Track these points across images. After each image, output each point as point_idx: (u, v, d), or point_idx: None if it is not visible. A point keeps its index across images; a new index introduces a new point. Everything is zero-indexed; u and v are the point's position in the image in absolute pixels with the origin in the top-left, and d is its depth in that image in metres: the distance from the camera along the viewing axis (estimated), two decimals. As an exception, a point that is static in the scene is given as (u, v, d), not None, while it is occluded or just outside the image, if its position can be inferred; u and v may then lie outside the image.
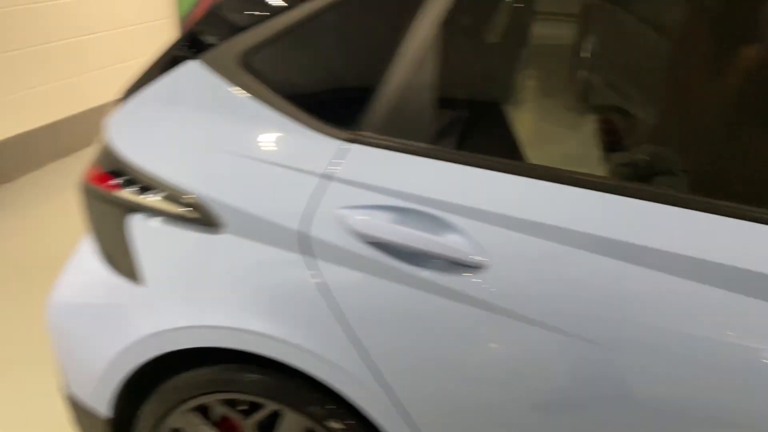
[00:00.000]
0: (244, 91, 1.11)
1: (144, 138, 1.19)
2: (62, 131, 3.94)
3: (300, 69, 1.13)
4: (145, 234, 1.16)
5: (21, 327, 2.36)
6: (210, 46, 1.17)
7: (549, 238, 0.94)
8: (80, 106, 4.08)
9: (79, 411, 1.34)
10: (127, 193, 1.16)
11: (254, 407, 1.23)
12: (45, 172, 3.75)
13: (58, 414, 1.95)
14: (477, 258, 0.96)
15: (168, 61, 1.22)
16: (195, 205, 1.10)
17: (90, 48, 4.10)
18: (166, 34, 4.93)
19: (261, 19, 1.13)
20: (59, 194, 3.48)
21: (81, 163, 3.93)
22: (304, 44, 1.11)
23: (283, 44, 1.12)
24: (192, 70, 1.16)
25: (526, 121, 1.11)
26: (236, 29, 1.15)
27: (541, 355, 0.96)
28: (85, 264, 1.29)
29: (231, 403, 1.24)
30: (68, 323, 1.29)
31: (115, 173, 1.19)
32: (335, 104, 1.11)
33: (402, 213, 1.01)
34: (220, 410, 1.26)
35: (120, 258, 1.19)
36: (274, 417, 1.22)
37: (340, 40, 1.11)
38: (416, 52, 1.02)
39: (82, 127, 4.13)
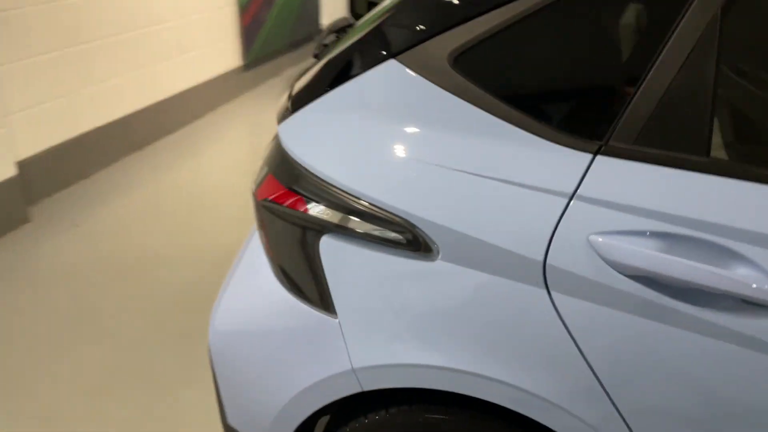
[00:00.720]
0: (458, 96, 0.96)
1: (336, 150, 1.04)
2: (133, 125, 3.84)
3: (526, 70, 0.97)
4: (339, 258, 1.02)
5: (120, 321, 2.28)
6: (404, 47, 1.01)
7: None
8: (149, 99, 3.98)
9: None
10: (321, 213, 1.02)
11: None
12: (118, 167, 3.67)
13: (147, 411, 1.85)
14: (780, 297, 0.80)
15: (346, 64, 1.07)
16: (404, 228, 0.96)
17: (155, 39, 3.99)
18: (225, 23, 4.81)
19: (471, 14, 0.96)
20: (133, 189, 3.39)
21: (153, 157, 3.85)
22: (531, 42, 0.95)
23: (503, 42, 0.95)
24: (390, 71, 1.01)
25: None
26: (439, 26, 0.99)
27: None
28: (255, 285, 1.16)
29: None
30: (237, 353, 1.16)
31: (301, 189, 1.05)
32: (573, 111, 0.95)
33: (671, 240, 0.85)
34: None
35: (307, 283, 1.06)
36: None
37: (577, 37, 0.94)
38: (689, 48, 0.85)
39: (153, 120, 4.04)
